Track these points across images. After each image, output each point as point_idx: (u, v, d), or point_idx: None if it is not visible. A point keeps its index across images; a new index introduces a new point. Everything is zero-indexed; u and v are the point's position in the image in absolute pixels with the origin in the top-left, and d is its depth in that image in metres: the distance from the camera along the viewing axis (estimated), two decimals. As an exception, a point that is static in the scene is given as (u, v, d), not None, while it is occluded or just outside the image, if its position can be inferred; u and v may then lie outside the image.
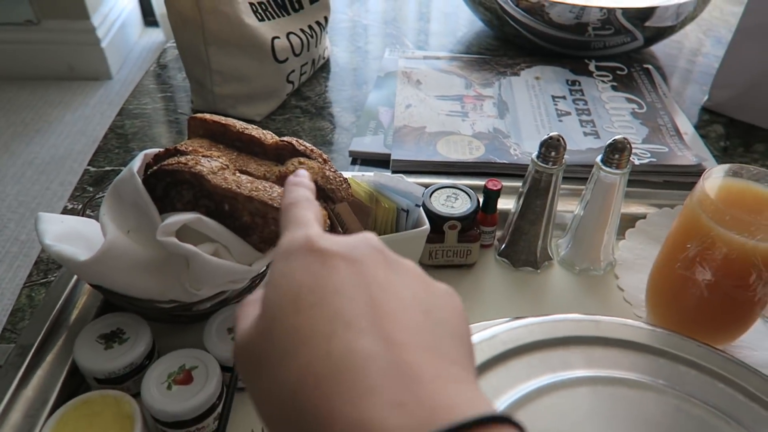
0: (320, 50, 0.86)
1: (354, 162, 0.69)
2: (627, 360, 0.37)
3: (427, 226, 0.52)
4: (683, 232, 0.45)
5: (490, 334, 0.38)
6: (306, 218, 0.26)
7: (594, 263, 0.57)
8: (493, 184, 0.55)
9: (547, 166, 0.51)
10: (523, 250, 0.57)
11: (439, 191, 0.56)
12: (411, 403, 0.19)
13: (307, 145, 0.48)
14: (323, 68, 0.92)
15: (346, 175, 0.52)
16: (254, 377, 0.23)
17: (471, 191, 0.56)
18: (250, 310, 0.25)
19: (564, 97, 0.76)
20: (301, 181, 0.30)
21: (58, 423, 0.40)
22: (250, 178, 0.44)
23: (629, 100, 0.76)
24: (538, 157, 0.52)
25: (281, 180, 0.46)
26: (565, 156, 0.52)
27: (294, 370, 0.21)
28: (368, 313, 0.21)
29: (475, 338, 0.37)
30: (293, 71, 0.80)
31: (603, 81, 0.80)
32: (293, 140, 0.48)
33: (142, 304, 0.45)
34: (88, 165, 0.72)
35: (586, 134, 0.70)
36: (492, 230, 0.58)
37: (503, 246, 0.58)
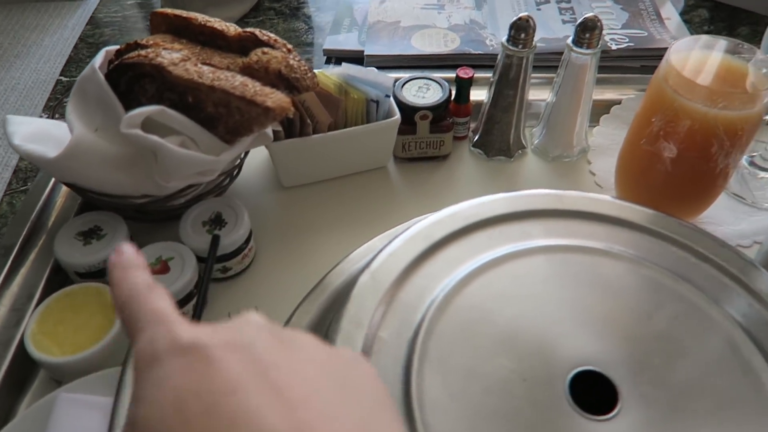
0: (292, -53, 0.83)
1: (328, 61, 0.68)
2: (585, 229, 0.38)
3: (397, 116, 0.52)
4: (649, 107, 0.45)
5: (452, 210, 0.39)
6: (162, 312, 0.21)
7: (567, 149, 0.57)
8: (465, 72, 0.55)
9: (517, 49, 0.51)
10: (497, 139, 0.57)
11: (410, 82, 0.55)
12: None
13: (270, 35, 0.47)
14: (296, -33, 0.89)
15: (317, 70, 0.52)
16: None
17: (443, 81, 0.55)
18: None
19: (543, -15, 0.74)
20: (129, 262, 0.24)
21: (42, 314, 0.41)
22: (212, 68, 0.43)
23: (610, -14, 0.74)
24: (507, 40, 0.51)
25: (245, 71, 0.45)
26: (535, 38, 0.51)
27: None
28: (276, 406, 0.18)
29: (438, 215, 0.38)
30: (264, -30, 0.77)
31: (585, -33, 0.77)
32: (256, 31, 0.47)
33: (116, 201, 0.46)
34: (60, 75, 0.71)
35: (564, 22, 0.68)
36: (465, 121, 0.58)
37: (477, 137, 0.58)
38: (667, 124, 0.43)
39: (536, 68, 0.54)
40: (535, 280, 0.35)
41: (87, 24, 0.80)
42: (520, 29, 0.50)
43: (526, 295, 0.35)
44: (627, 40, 0.65)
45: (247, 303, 0.46)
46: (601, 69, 0.63)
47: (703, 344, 0.33)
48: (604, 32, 0.67)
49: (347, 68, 0.52)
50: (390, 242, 0.38)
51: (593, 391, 0.31)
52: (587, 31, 0.49)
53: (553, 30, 0.67)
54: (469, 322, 0.33)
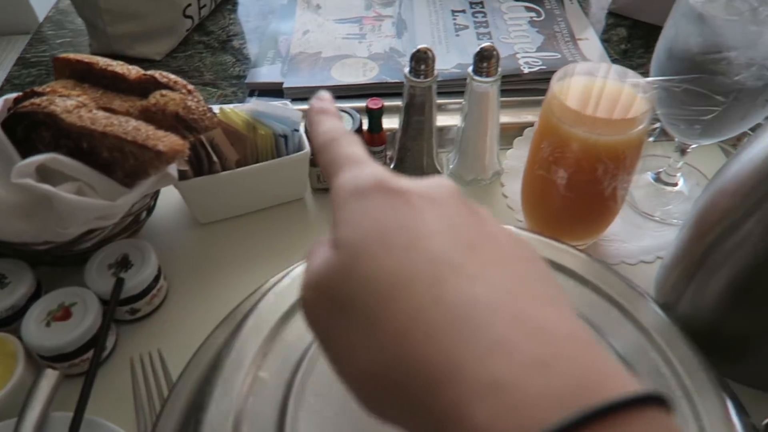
0: (219, -19, 0.84)
1: (251, 94, 0.69)
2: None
3: (307, 149, 0.53)
4: (539, 134, 0.46)
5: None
6: (360, 155, 0.23)
7: (480, 173, 0.58)
8: (374, 103, 0.56)
9: (418, 80, 0.52)
10: (411, 166, 0.58)
11: (322, 115, 0.56)
12: (554, 364, 0.16)
13: (171, 76, 0.48)
14: (227, 0, 0.89)
15: (227, 106, 0.53)
16: (335, 324, 0.20)
17: (354, 112, 0.56)
18: (320, 250, 0.21)
19: (464, 11, 0.76)
20: (327, 108, 0.26)
21: (-59, 367, 0.41)
22: (107, 114, 0.44)
23: (528, 9, 0.76)
24: (410, 71, 0.52)
25: (143, 114, 0.46)
26: (452, 64, 0.52)
27: (395, 317, 0.18)
28: (472, 259, 0.19)
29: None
30: (190, 5, 0.78)
31: (504, -9, 0.80)
32: (156, 73, 0.48)
33: (19, 248, 0.46)
34: (-17, 118, 0.71)
35: (481, 47, 0.70)
36: (381, 149, 0.59)
37: (393, 164, 0.59)
38: (555, 150, 0.44)
39: (452, 93, 0.56)
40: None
41: (14, 65, 0.80)
42: (420, 61, 0.51)
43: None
44: (540, 62, 0.67)
45: (157, 343, 0.46)
46: (515, 92, 0.66)
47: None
48: (518, 55, 0.69)
49: (255, 104, 0.53)
50: (280, 280, 0.38)
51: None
52: (484, 60, 0.51)
53: (470, 55, 0.69)
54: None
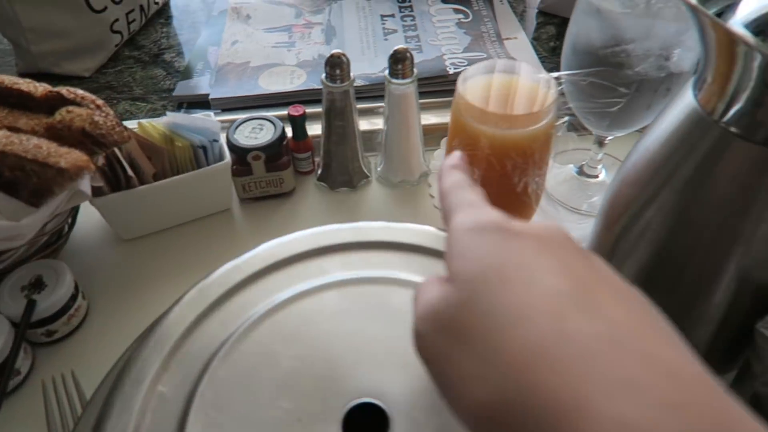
0: (148, -6, 0.83)
1: (180, 106, 0.68)
2: (378, 260, 0.39)
3: (227, 159, 0.52)
4: (451, 133, 0.46)
5: (251, 254, 0.39)
6: (480, 202, 0.25)
7: (407, 175, 0.58)
8: (295, 110, 0.56)
9: (335, 85, 0.52)
10: (337, 171, 0.58)
11: (244, 124, 0.56)
12: (687, 407, 0.16)
13: (78, 92, 0.47)
14: (160, 14, 0.89)
15: (145, 120, 0.52)
16: (452, 355, 0.20)
17: (277, 120, 0.56)
18: (434, 284, 0.22)
19: (393, 15, 0.76)
20: (458, 165, 0.30)
21: None
22: (7, 133, 0.43)
23: (456, 11, 0.77)
24: (326, 77, 0.52)
25: (49, 131, 0.45)
26: (379, 67, 0.52)
27: (517, 348, 0.18)
28: (592, 297, 0.19)
29: (236, 261, 0.39)
30: (117, 20, 0.77)
31: (433, -6, 0.81)
32: (62, 89, 0.47)
33: (-74, 275, 0.45)
34: None
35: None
36: (307, 156, 0.59)
37: (320, 170, 0.59)
38: (465, 148, 0.45)
39: (382, 97, 0.55)
40: (324, 317, 0.36)
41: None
42: (335, 66, 0.51)
43: (314, 332, 0.35)
44: (466, 63, 0.68)
45: (76, 365, 0.45)
46: (442, 93, 0.66)
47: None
48: (445, 57, 0.69)
49: (172, 117, 0.52)
50: (186, 293, 0.38)
51: (368, 423, 0.32)
52: (398, 62, 0.51)
53: (398, 59, 0.69)
54: (253, 368, 0.34)
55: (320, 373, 0.33)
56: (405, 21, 0.75)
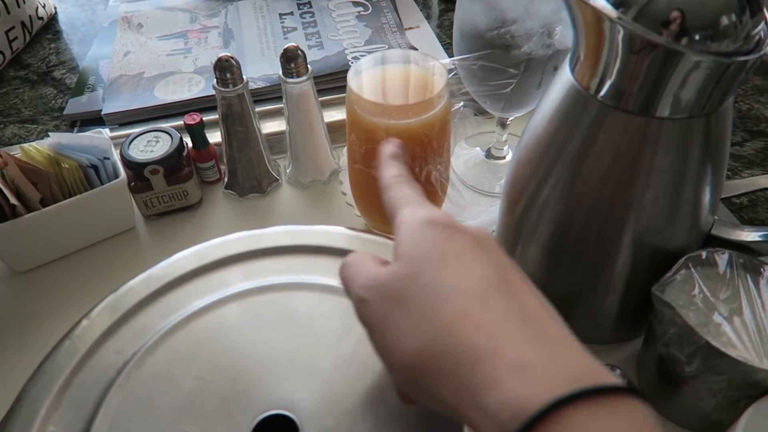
0: (30, 10, 0.78)
1: (73, 125, 0.65)
2: (280, 266, 0.38)
3: (121, 177, 0.50)
4: (348, 127, 0.46)
5: (146, 275, 0.37)
6: (421, 197, 0.30)
7: (317, 175, 0.57)
8: (191, 118, 0.54)
9: (227, 89, 0.50)
10: (244, 177, 0.56)
11: (138, 138, 0.53)
12: (571, 357, 0.22)
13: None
14: (47, 29, 0.84)
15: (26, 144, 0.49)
16: (391, 316, 0.24)
17: (173, 131, 0.54)
18: (373, 265, 0.27)
19: (292, 13, 0.75)
20: (396, 154, 0.34)
21: None
22: None
23: (356, 4, 0.76)
24: (217, 82, 0.50)
25: None
26: (244, 75, 0.51)
27: (448, 312, 0.23)
28: (511, 284, 0.25)
29: (129, 283, 0.37)
30: (-4, 39, 0.72)
31: (332, -11, 0.79)
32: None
33: None
34: None
35: (310, 47, 0.69)
36: (211, 165, 0.57)
37: (227, 178, 0.57)
38: (363, 142, 0.44)
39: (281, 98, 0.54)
40: (227, 331, 0.35)
41: None
42: (224, 70, 0.49)
43: (215, 349, 0.34)
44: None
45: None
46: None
47: (387, 359, 0.33)
48: (347, 51, 0.69)
49: (57, 137, 0.49)
50: (77, 323, 0.35)
51: (278, 435, 0.31)
52: (290, 61, 0.50)
53: (299, 57, 0.68)
54: (151, 394, 0.32)
55: (224, 391, 0.32)
56: (304, 18, 0.74)
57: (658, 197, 0.36)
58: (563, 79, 0.36)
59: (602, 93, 0.34)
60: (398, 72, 0.45)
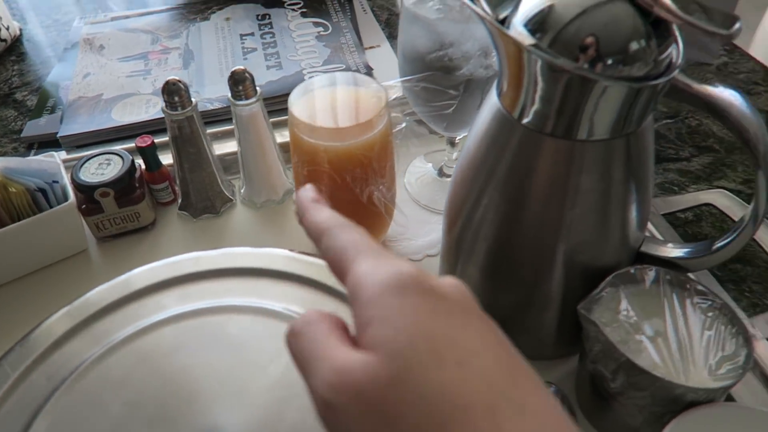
0: (-8, 32, 0.78)
1: (30, 148, 0.65)
2: (218, 288, 0.39)
3: (70, 200, 0.50)
4: (291, 149, 0.46)
5: (82, 300, 0.38)
6: (370, 243, 0.23)
7: (271, 194, 0.58)
8: (143, 141, 0.54)
9: (176, 112, 0.51)
10: (197, 198, 0.56)
11: (90, 161, 0.54)
12: None
13: None
14: (11, 50, 0.84)
15: None
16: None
17: (125, 153, 0.54)
18: (343, 352, 0.21)
19: (252, 34, 0.76)
20: (317, 197, 0.28)
21: None
22: None
23: (316, 24, 0.77)
24: (166, 105, 0.51)
25: None
26: (193, 98, 0.51)
27: None
28: (515, 386, 0.20)
29: (62, 311, 0.37)
30: (-43, 62, 0.72)
31: (293, 9, 0.80)
32: None
33: None
34: None
35: (269, 67, 0.70)
36: (165, 186, 0.57)
37: (180, 199, 0.57)
38: (305, 164, 0.45)
39: None
40: (158, 355, 0.35)
41: None
42: (171, 93, 0.50)
43: (146, 374, 0.34)
44: (325, 76, 0.68)
45: None
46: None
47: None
48: (305, 71, 0.69)
49: (5, 161, 0.50)
50: (8, 351, 0.36)
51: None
52: (238, 84, 0.51)
53: (257, 77, 0.69)
54: (79, 420, 0.32)
55: (153, 415, 0.32)
56: (265, 39, 0.75)
57: (585, 216, 0.37)
58: (491, 104, 0.37)
59: (526, 118, 0.35)
60: (340, 94, 0.46)
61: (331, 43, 0.74)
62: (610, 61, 0.31)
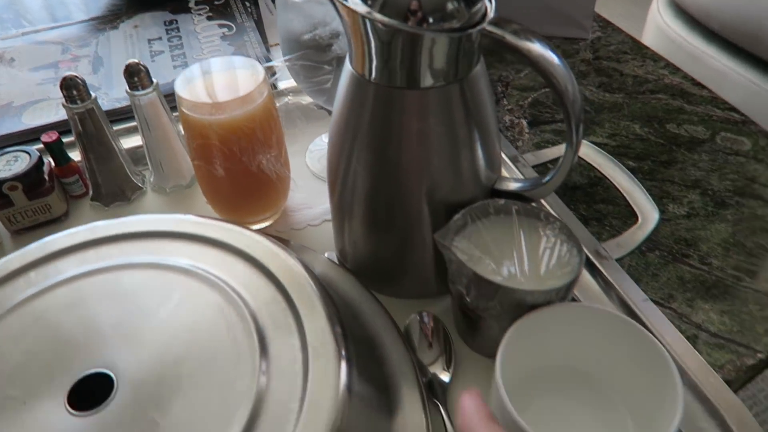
0: None
1: (-58, 157, 0.67)
2: (113, 251, 0.42)
3: (-23, 196, 0.53)
4: (183, 128, 0.50)
5: (-16, 270, 0.41)
6: None
7: (179, 179, 0.62)
8: (48, 136, 0.57)
9: (75, 106, 0.54)
10: (107, 188, 0.60)
11: (-1, 158, 0.56)
12: None
13: None
14: None
15: None
16: None
17: (33, 150, 0.57)
18: None
19: (160, 38, 0.80)
20: (480, 405, 0.30)
21: None
22: None
23: (221, 26, 0.82)
24: (66, 100, 0.54)
25: None
26: (91, 93, 0.55)
27: None
28: None
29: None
30: None
31: (200, 14, 0.85)
32: None
33: None
34: None
35: (176, 67, 0.74)
36: (75, 179, 0.60)
37: (91, 191, 0.60)
38: (195, 140, 0.49)
39: None
40: (56, 310, 0.38)
41: None
42: (70, 87, 0.53)
43: (44, 327, 0.37)
44: (228, 70, 0.73)
45: None
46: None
47: (201, 319, 0.37)
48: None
49: None
50: None
51: (97, 392, 0.34)
52: (133, 75, 0.54)
53: (164, 76, 0.73)
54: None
55: (48, 359, 0.35)
56: (172, 42, 0.79)
57: (437, 157, 0.42)
58: (346, 71, 0.42)
59: (374, 76, 0.40)
60: (223, 76, 0.50)
61: (236, 42, 0.78)
62: (431, 19, 0.37)
